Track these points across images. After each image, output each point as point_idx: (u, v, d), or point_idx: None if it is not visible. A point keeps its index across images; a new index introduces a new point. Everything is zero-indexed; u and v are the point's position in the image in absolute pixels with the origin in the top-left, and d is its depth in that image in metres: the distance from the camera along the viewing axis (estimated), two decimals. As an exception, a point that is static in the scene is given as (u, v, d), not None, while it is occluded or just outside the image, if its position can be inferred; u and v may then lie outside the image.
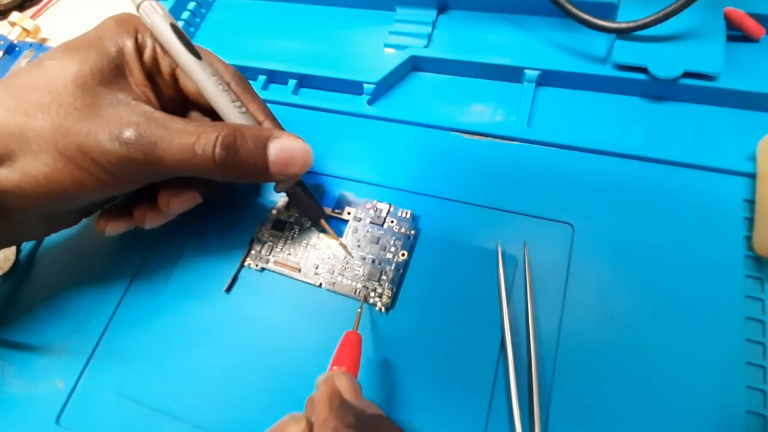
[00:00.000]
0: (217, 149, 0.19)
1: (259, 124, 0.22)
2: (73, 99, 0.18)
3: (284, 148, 0.20)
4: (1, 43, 0.36)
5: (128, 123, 0.18)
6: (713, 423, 0.18)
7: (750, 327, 0.19)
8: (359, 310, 0.21)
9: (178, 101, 0.23)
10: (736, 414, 0.18)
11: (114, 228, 0.23)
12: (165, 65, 0.22)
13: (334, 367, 0.18)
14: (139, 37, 0.21)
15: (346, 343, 0.19)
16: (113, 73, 0.20)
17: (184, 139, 0.19)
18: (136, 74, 0.21)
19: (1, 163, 0.18)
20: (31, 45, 0.37)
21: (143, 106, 0.20)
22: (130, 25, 0.21)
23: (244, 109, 0.21)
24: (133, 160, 0.18)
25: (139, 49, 0.21)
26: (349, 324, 0.22)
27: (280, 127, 0.23)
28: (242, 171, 0.20)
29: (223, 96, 0.21)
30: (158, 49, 0.21)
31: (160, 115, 0.19)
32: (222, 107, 0.21)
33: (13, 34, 0.37)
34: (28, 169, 0.18)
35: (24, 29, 0.38)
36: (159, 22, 0.20)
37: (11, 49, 0.36)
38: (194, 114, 0.24)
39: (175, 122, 0.19)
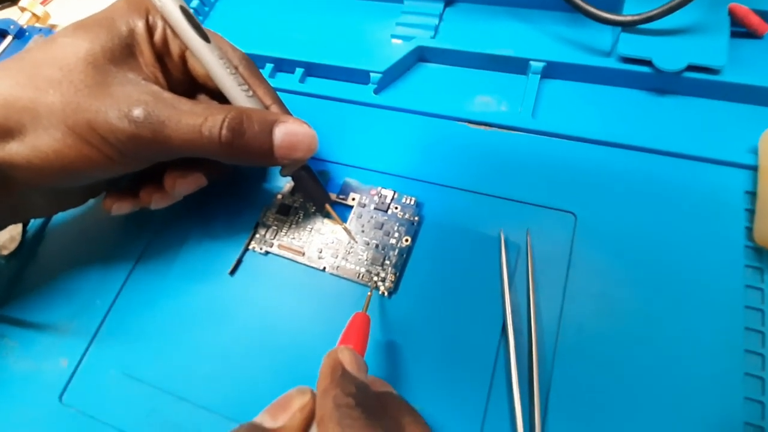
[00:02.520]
0: (224, 131, 0.19)
1: (266, 108, 0.23)
2: (84, 76, 0.18)
3: (289, 132, 0.21)
4: (11, 27, 0.36)
5: (137, 101, 0.19)
6: (711, 410, 0.18)
7: (749, 316, 0.19)
8: (369, 293, 0.21)
9: (187, 83, 0.23)
10: (734, 401, 0.18)
11: (120, 207, 0.23)
12: (174, 47, 0.22)
13: (344, 345, 0.18)
14: (150, 18, 0.21)
15: (354, 324, 0.19)
16: (124, 53, 0.20)
17: (192, 120, 0.19)
18: (146, 54, 0.21)
19: (12, 136, 0.18)
20: (40, 30, 0.37)
21: (152, 86, 0.20)
22: (142, 6, 0.21)
23: (251, 93, 0.22)
24: (141, 138, 0.19)
25: (150, 30, 0.21)
26: (352, 307, 0.22)
27: (287, 112, 0.23)
28: (248, 153, 0.20)
29: (231, 79, 0.21)
30: (168, 31, 0.22)
31: (168, 95, 0.20)
32: (229, 90, 0.21)
33: (23, 20, 0.38)
34: (38, 143, 0.18)
35: (34, 15, 0.38)
36: (169, 4, 0.20)
37: (21, 34, 0.37)
38: (202, 97, 0.24)
39: (183, 103, 0.20)
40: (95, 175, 0.20)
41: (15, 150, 0.18)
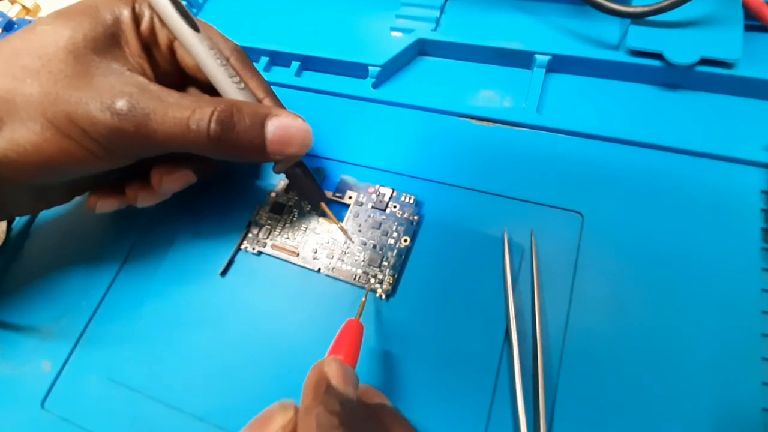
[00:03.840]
0: (212, 125, 0.18)
1: (259, 101, 0.22)
2: (64, 66, 0.18)
3: (283, 126, 0.20)
4: (0, 20, 0.35)
5: (121, 93, 0.18)
6: (726, 421, 0.17)
7: (767, 321, 0.18)
8: (363, 299, 0.20)
9: (176, 75, 0.22)
10: (750, 411, 0.17)
11: (104, 205, 0.22)
12: (162, 37, 0.21)
13: (332, 356, 0.17)
14: (137, 6, 0.20)
15: (345, 332, 0.18)
16: (108, 42, 0.19)
17: (179, 112, 0.18)
18: (131, 44, 0.20)
19: (-14, 128, 0.17)
20: (30, 23, 0.36)
21: (137, 77, 0.19)
22: (128, -7, 0.20)
23: (242, 85, 0.21)
24: (125, 131, 0.18)
25: (136, 19, 0.20)
26: (348, 310, 0.22)
27: (281, 105, 0.22)
28: (238, 149, 0.19)
29: (221, 70, 0.20)
30: (156, 21, 0.21)
31: (154, 87, 0.19)
32: (219, 82, 0.20)
33: (13, 12, 0.37)
34: (16, 136, 0.17)
35: (24, 7, 0.37)
36: (156, -9, 0.19)
37: (9, 27, 0.35)
38: (192, 90, 0.23)
39: (170, 95, 0.19)
40: (77, 170, 0.19)
41: (-9, 143, 0.17)
